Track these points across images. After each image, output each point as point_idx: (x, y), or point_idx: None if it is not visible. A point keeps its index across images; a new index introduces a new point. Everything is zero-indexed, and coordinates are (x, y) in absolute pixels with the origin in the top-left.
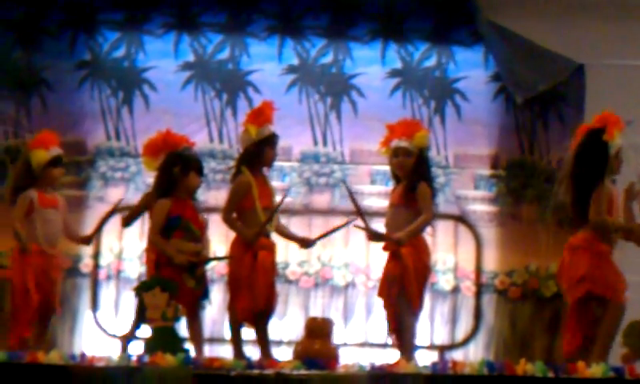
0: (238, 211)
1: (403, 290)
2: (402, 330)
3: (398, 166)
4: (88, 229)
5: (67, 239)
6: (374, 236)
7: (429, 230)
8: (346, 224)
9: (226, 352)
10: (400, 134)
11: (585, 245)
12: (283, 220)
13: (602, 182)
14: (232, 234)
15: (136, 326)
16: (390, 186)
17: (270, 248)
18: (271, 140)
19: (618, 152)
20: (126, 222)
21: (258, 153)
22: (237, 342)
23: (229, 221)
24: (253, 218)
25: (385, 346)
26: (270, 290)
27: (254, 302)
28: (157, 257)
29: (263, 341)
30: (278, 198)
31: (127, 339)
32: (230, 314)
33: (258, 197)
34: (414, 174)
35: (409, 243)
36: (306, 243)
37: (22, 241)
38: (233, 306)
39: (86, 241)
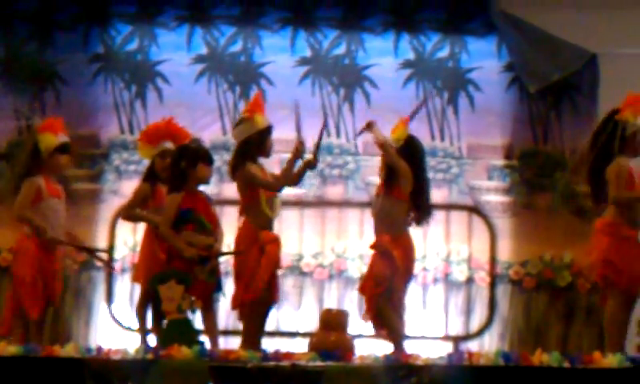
0: (247, 203)
1: (390, 290)
2: (385, 325)
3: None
4: (102, 222)
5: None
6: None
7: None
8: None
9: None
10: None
11: (608, 229)
12: (295, 212)
13: (616, 159)
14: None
15: (158, 318)
16: None
17: (277, 241)
18: (271, 129)
19: (636, 132)
20: (127, 216)
21: (262, 141)
22: (255, 334)
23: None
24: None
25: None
26: (273, 282)
27: (248, 291)
28: (168, 250)
29: (254, 330)
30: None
31: (157, 333)
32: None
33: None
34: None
35: (398, 243)
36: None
37: (36, 226)
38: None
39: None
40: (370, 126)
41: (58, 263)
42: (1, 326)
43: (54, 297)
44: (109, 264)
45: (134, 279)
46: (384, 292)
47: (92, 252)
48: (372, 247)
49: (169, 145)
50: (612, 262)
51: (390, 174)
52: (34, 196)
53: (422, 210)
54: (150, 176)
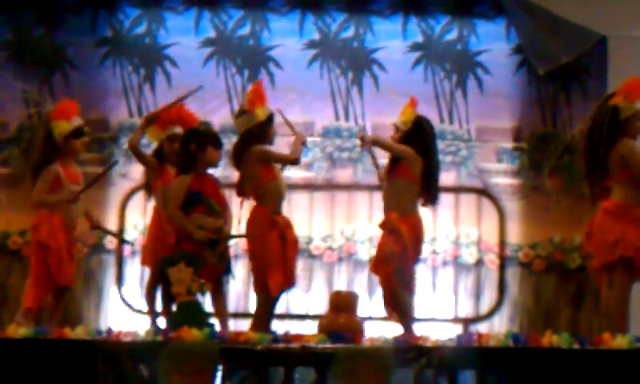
0: (260, 186)
1: (401, 267)
2: (398, 305)
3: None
4: (111, 205)
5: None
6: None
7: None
8: None
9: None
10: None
11: (618, 211)
12: (304, 195)
13: (621, 141)
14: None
15: (168, 301)
16: None
17: (291, 226)
18: (272, 118)
19: (634, 115)
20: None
21: (263, 132)
22: (267, 318)
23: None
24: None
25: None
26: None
27: (287, 278)
28: (177, 232)
29: (266, 313)
30: None
31: (167, 315)
32: (262, 291)
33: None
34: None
35: (406, 221)
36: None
37: (60, 199)
38: (265, 283)
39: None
40: (363, 142)
41: (74, 245)
42: (29, 303)
43: (67, 281)
44: (122, 240)
45: (143, 262)
46: (396, 270)
47: (108, 232)
48: (380, 226)
49: (178, 130)
50: (628, 241)
51: (393, 156)
52: (52, 182)
53: (429, 191)
54: (157, 157)
